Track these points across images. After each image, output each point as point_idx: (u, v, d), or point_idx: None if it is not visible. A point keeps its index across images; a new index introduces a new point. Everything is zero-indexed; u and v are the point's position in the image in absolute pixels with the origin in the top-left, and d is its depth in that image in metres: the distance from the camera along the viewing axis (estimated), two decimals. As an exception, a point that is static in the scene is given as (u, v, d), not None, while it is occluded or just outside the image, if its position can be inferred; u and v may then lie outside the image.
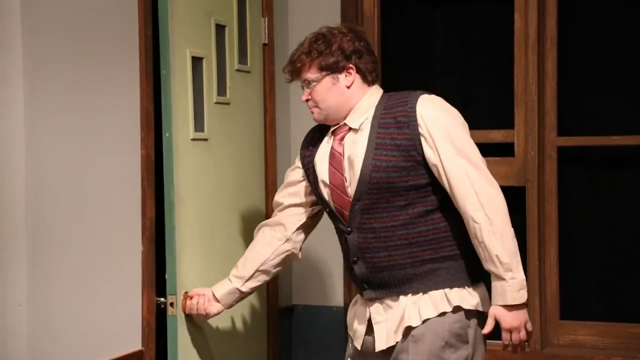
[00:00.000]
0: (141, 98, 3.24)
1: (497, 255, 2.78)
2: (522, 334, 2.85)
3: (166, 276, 3.28)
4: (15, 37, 2.80)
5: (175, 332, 3.27)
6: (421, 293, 2.94)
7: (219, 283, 3.26)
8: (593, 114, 3.39)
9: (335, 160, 3.04)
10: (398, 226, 2.91)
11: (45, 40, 2.89)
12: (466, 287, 2.95)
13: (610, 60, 3.88)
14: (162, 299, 3.29)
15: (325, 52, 3.00)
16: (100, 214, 3.10)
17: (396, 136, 2.89)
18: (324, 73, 3.02)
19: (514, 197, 3.89)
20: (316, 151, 3.12)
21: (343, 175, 3.00)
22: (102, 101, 3.10)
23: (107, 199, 3.13)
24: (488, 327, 2.86)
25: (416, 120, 2.87)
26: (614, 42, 3.87)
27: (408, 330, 2.93)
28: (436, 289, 2.93)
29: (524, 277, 2.82)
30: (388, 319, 2.99)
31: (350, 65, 3.00)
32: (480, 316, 2.95)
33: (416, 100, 2.89)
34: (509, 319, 2.83)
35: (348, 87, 3.00)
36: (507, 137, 3.98)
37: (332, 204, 3.04)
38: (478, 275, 2.98)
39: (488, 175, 2.87)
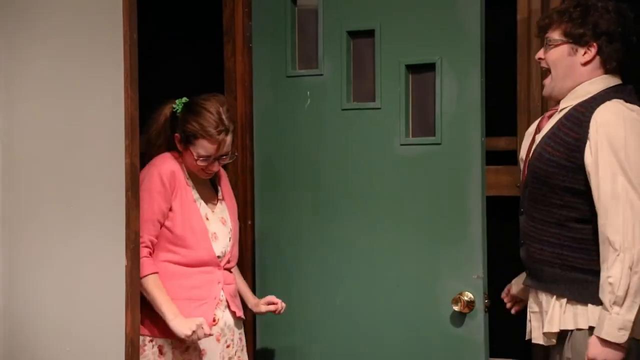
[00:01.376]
0: (125, 104, 3.14)
1: (611, 284, 2.69)
2: None
3: (480, 275, 3.26)
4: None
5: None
6: (566, 299, 2.88)
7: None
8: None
9: (534, 137, 3.03)
10: (552, 223, 2.90)
11: (26, 44, 2.89)
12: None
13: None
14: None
15: (577, 21, 2.91)
16: (82, 225, 3.05)
17: (568, 132, 2.87)
18: (565, 39, 2.94)
19: (517, 208, 3.77)
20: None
21: (528, 155, 2.99)
22: (85, 107, 3.05)
23: (89, 209, 3.06)
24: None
25: (589, 122, 2.80)
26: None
27: (562, 336, 2.90)
28: (583, 301, 2.85)
29: (632, 319, 2.69)
30: (537, 312, 3.02)
31: (594, 44, 2.90)
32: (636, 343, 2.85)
33: (601, 103, 2.83)
34: (595, 351, 2.74)
35: (582, 65, 2.95)
36: (510, 145, 3.95)
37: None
38: None
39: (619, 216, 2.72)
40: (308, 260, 3.57)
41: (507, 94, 3.90)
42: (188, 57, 4.38)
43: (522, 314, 3.35)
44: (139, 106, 3.18)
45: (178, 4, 4.39)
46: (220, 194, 3.39)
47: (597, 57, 2.92)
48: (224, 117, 3.20)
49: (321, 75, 3.54)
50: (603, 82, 2.93)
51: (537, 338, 3.00)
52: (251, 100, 3.78)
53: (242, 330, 3.36)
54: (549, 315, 2.90)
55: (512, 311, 3.34)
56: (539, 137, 2.95)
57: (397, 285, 3.43)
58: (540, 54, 3.03)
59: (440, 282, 3.34)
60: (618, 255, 2.67)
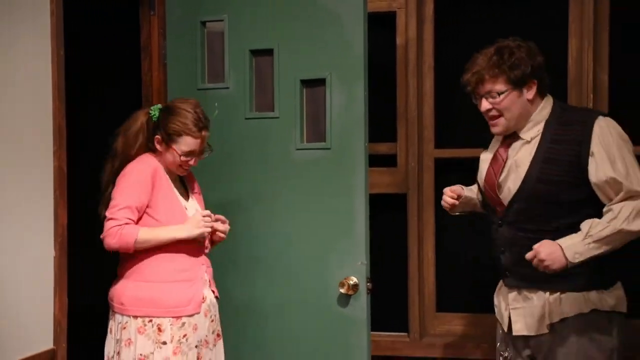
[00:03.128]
0: (54, 114, 3.20)
1: (599, 224, 2.84)
2: (537, 261, 2.87)
3: (363, 262, 3.40)
4: None
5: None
6: (559, 292, 3.01)
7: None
8: (464, 129, 3.49)
9: (496, 163, 3.12)
10: (548, 231, 2.96)
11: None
12: (603, 290, 3.00)
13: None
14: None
15: (513, 68, 2.97)
16: (15, 220, 3.05)
17: (567, 153, 2.95)
18: (510, 87, 3.00)
19: (397, 204, 4.06)
20: (487, 149, 3.19)
21: (496, 178, 3.08)
22: (17, 116, 3.06)
23: (22, 207, 3.08)
24: (530, 254, 2.89)
25: (590, 140, 2.92)
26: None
27: (551, 326, 3.02)
28: (575, 290, 2.99)
29: (590, 255, 2.84)
30: (526, 307, 3.08)
31: (534, 81, 3.02)
32: (620, 315, 3.03)
33: (594, 122, 2.95)
34: (549, 249, 2.85)
35: (529, 100, 3.03)
36: (390, 150, 4.06)
37: (486, 199, 3.15)
38: (614, 278, 3.04)
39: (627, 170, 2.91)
40: (217, 251, 3.54)
41: (388, 105, 4.01)
42: (111, 72, 4.40)
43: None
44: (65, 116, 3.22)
45: (100, 26, 4.43)
46: (190, 190, 3.42)
47: (536, 88, 3.02)
48: (201, 115, 3.24)
49: (227, 88, 3.63)
50: (548, 104, 3.05)
51: (521, 330, 3.08)
52: (166, 110, 3.82)
53: (217, 307, 3.37)
54: (548, 310, 3.01)
55: (452, 207, 3.34)
56: (522, 165, 3.01)
57: (294, 271, 3.54)
58: (487, 105, 3.03)
59: (329, 268, 3.46)
60: (614, 216, 2.82)
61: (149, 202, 3.25)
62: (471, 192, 3.36)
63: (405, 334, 4.04)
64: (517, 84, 3.00)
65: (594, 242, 2.83)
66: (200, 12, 3.69)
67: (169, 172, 3.33)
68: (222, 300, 3.46)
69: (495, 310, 3.26)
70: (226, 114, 3.58)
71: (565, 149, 2.96)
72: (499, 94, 3.00)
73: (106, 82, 4.53)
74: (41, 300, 3.16)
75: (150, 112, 3.33)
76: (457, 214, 3.38)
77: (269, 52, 3.57)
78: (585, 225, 2.87)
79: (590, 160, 2.92)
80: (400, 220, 4.03)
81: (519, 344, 3.16)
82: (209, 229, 3.24)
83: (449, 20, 4.01)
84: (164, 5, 3.79)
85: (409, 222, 4.01)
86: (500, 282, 3.24)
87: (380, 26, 3.95)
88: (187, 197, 3.39)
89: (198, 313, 3.25)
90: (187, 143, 3.23)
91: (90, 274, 4.10)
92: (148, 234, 3.20)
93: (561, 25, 3.81)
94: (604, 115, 3.02)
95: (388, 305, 4.00)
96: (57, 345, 3.21)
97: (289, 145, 3.54)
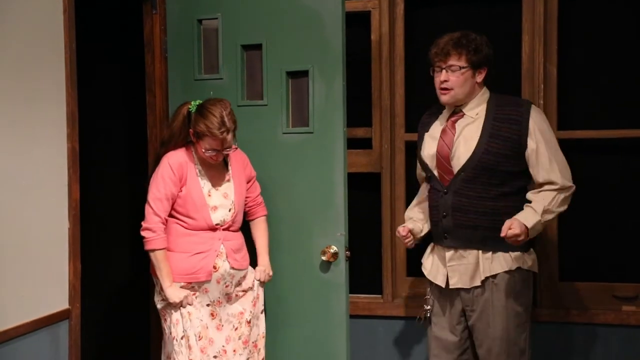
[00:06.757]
0: (67, 101, 3.25)
1: (547, 202, 3.10)
2: (512, 234, 3.05)
3: (342, 233, 3.48)
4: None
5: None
6: (491, 252, 3.20)
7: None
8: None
9: (447, 136, 3.24)
10: (488, 198, 3.13)
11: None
12: (525, 252, 3.24)
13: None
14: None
15: (476, 52, 3.17)
16: (34, 196, 3.10)
17: (508, 130, 3.16)
18: (468, 65, 3.19)
19: (372, 181, 4.09)
20: (428, 129, 3.32)
21: (450, 149, 3.20)
22: (35, 101, 3.10)
23: (39, 184, 3.13)
24: (503, 231, 3.05)
25: (528, 121, 3.15)
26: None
27: (485, 280, 3.21)
28: (503, 251, 3.19)
29: (541, 230, 3.14)
30: (462, 264, 3.25)
31: (485, 68, 3.23)
32: (533, 274, 3.29)
33: (530, 107, 3.19)
34: (520, 228, 3.05)
35: (477, 83, 3.24)
36: (366, 134, 4.09)
37: (435, 170, 3.24)
38: (529, 244, 3.25)
39: (560, 167, 3.16)
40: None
41: (364, 94, 4.02)
42: (117, 65, 4.41)
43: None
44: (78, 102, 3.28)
45: (107, 23, 4.44)
46: (230, 174, 3.43)
47: (485, 76, 3.23)
48: (226, 119, 3.24)
49: (221, 79, 3.67)
50: (487, 91, 3.27)
51: (457, 283, 3.24)
52: (167, 99, 3.84)
53: (243, 274, 3.42)
54: (482, 267, 3.18)
55: (411, 244, 3.45)
56: (471, 139, 3.16)
57: (282, 241, 3.61)
58: (444, 77, 3.19)
59: (312, 238, 3.53)
60: (559, 191, 3.10)
61: (180, 191, 3.33)
62: (414, 220, 3.47)
63: (380, 296, 4.08)
64: (474, 66, 3.19)
65: (545, 221, 3.10)
66: (197, 10, 3.72)
67: (202, 160, 3.38)
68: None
69: (425, 271, 3.39)
70: (220, 102, 3.52)
71: (506, 127, 3.15)
72: (461, 68, 3.18)
73: (114, 73, 4.53)
74: (57, 266, 3.24)
75: (190, 107, 3.36)
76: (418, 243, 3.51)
77: (258, 47, 3.62)
78: (538, 206, 3.08)
79: (529, 139, 3.14)
80: (375, 196, 4.05)
81: (453, 297, 3.31)
82: (180, 305, 3.29)
83: (417, 19, 4.03)
84: (165, 4, 3.81)
85: (383, 198, 4.04)
86: (431, 246, 3.38)
87: (357, 24, 3.97)
88: (223, 181, 3.41)
89: (208, 281, 3.34)
90: (209, 142, 3.27)
91: (100, 243, 4.15)
92: (158, 259, 3.30)
93: (515, 24, 3.87)
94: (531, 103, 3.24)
95: (364, 271, 4.09)
96: (72, 305, 3.29)
97: (276, 130, 3.59)
